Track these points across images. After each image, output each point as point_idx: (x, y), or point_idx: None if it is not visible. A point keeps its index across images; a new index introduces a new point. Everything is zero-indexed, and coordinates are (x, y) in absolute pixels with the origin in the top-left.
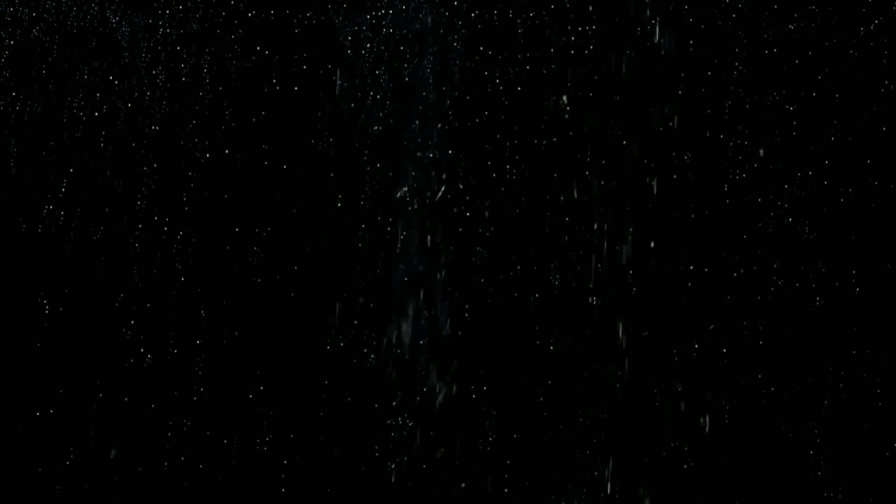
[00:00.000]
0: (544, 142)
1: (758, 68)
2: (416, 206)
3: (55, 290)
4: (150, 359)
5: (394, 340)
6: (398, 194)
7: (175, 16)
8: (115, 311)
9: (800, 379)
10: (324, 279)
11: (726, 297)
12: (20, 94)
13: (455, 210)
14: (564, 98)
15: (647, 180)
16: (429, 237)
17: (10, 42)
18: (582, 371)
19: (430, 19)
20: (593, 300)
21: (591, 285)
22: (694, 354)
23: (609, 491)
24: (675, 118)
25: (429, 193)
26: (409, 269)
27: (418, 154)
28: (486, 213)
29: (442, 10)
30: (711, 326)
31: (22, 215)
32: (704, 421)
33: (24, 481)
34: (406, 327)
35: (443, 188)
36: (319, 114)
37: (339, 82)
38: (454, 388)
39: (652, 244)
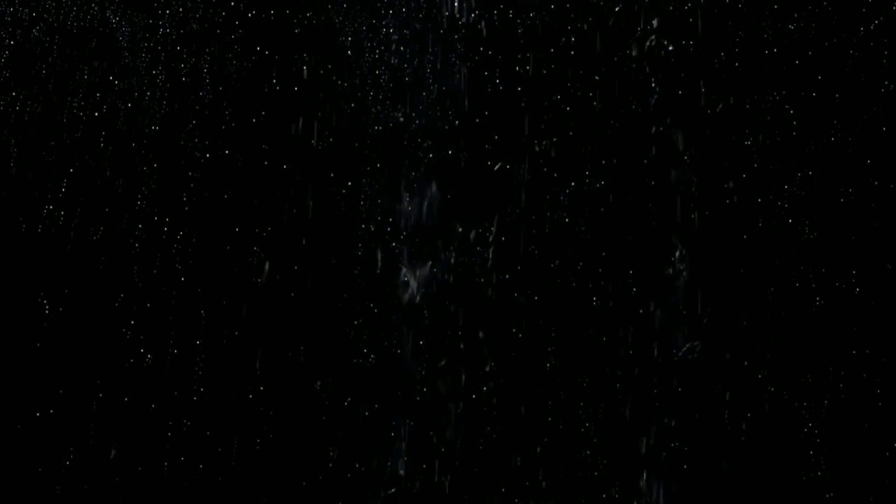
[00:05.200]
0: (544, 142)
1: (758, 68)
2: (416, 206)
3: (55, 290)
4: (150, 359)
5: (394, 340)
6: (398, 194)
7: (175, 16)
8: (115, 311)
9: (800, 379)
10: (324, 279)
11: (726, 297)
12: (20, 94)
13: (455, 210)
14: (564, 98)
15: (648, 180)
16: (429, 237)
17: (10, 42)
18: (582, 371)
19: (430, 19)
20: (594, 300)
21: (590, 285)
22: (694, 354)
23: (608, 491)
24: (675, 118)
25: (429, 193)
26: (410, 269)
27: (419, 154)
28: (487, 213)
29: (442, 10)
30: (709, 323)
31: (22, 215)
32: (704, 421)
33: (24, 481)
34: (406, 326)
35: (443, 189)
36: (319, 114)
37: (339, 82)
38: (454, 388)
39: (652, 244)
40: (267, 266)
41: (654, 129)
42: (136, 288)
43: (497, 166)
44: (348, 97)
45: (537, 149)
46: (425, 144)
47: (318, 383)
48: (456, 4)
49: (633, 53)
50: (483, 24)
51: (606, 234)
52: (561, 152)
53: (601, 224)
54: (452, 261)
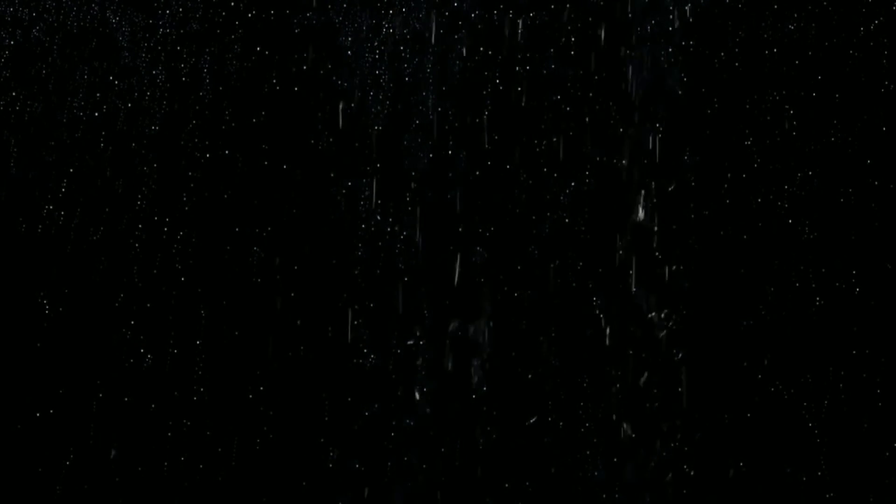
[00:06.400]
0: (544, 142)
1: (758, 68)
2: (416, 207)
3: (55, 290)
4: (150, 359)
5: (394, 340)
6: (398, 194)
7: (175, 16)
8: (115, 311)
9: (800, 379)
10: (324, 279)
11: (725, 297)
12: (20, 94)
13: (455, 210)
14: (564, 98)
15: (647, 180)
16: (429, 237)
17: (10, 42)
18: (582, 371)
19: (430, 19)
20: (594, 300)
21: (591, 285)
22: (693, 354)
23: (608, 492)
24: (675, 118)
25: (429, 194)
26: (409, 269)
27: (419, 154)
28: (486, 213)
29: (442, 10)
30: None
31: (22, 215)
32: (704, 421)
33: (24, 481)
34: (405, 327)
35: (443, 188)
36: (319, 114)
37: (339, 82)
38: (453, 388)
39: (651, 244)
40: (267, 266)
41: (653, 129)
42: (136, 288)
43: (497, 167)
44: (348, 97)
45: (537, 149)
46: (425, 144)
47: (318, 383)
48: (456, 4)
49: (634, 53)
50: (483, 24)
51: (606, 234)
52: (561, 152)
53: (601, 224)
54: (452, 260)
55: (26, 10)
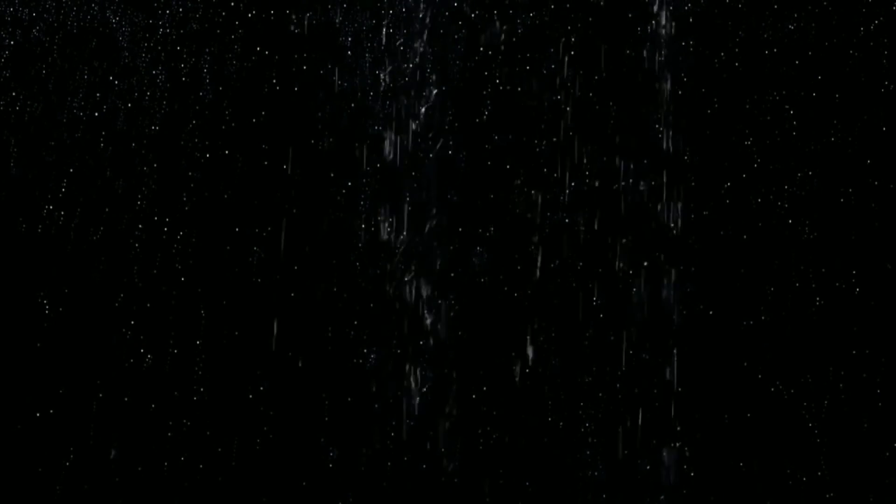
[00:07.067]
0: (544, 142)
1: (758, 68)
2: (416, 206)
3: (55, 290)
4: (150, 359)
5: (394, 340)
6: (398, 194)
7: (175, 16)
8: (115, 311)
9: (800, 379)
10: (324, 279)
11: (726, 297)
12: (20, 94)
13: (455, 210)
14: (567, 98)
15: (647, 180)
16: (429, 237)
17: (10, 42)
18: (582, 371)
19: (429, 19)
20: (594, 300)
21: (590, 285)
22: (693, 354)
23: (609, 492)
24: (675, 118)
25: (429, 193)
26: (410, 269)
27: (419, 154)
28: (486, 213)
29: (442, 10)
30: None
31: (22, 215)
32: (703, 421)
33: (24, 481)
34: (405, 326)
35: (444, 188)
36: (319, 114)
37: (339, 82)
38: (453, 389)
39: (651, 244)
40: (267, 266)
41: (653, 129)
42: (136, 288)
43: (497, 166)
44: (348, 97)
45: (538, 149)
46: (425, 144)
47: (318, 383)
48: (456, 4)
49: (634, 54)
50: (483, 23)
51: (606, 234)
52: (563, 152)
53: (602, 224)
54: (453, 261)
55: (26, 10)
